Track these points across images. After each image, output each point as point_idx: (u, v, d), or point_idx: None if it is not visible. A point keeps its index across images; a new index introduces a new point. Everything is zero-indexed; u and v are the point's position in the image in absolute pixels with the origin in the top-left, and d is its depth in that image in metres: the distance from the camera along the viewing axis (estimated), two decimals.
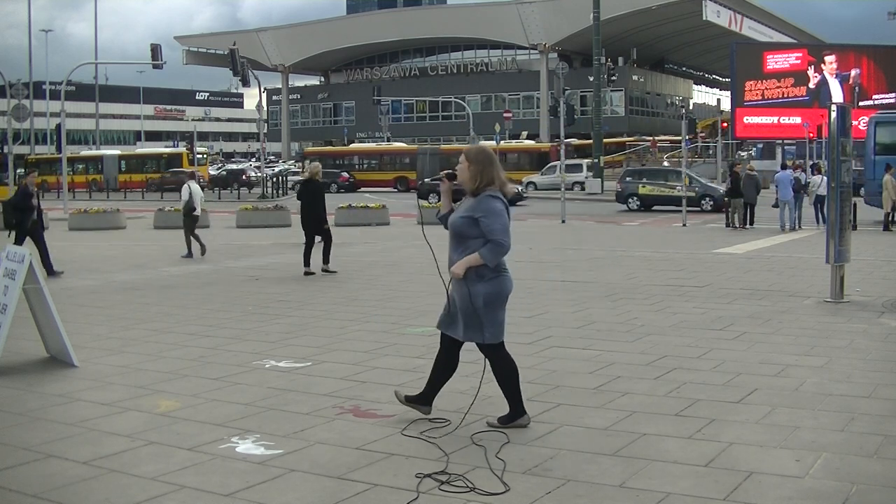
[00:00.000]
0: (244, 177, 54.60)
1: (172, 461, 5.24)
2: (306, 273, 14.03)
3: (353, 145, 67.18)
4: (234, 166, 68.14)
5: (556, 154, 50.62)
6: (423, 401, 6.05)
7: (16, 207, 14.83)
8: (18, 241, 14.17)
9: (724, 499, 4.56)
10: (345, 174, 53.48)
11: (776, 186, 23.50)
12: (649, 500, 4.57)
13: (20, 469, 5.17)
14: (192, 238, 17.58)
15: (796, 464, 5.05)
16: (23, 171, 59.09)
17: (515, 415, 5.83)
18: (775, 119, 54.15)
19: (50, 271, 14.25)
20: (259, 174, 50.00)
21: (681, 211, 26.09)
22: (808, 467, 4.99)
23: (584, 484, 4.80)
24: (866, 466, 5.01)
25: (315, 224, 14.22)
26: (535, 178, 49.32)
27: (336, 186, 49.24)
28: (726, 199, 24.90)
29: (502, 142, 56.26)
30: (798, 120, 51.49)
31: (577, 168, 49.26)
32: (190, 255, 17.34)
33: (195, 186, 18.10)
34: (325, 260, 14.36)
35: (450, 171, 5.80)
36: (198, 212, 17.92)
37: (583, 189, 46.48)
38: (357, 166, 56.37)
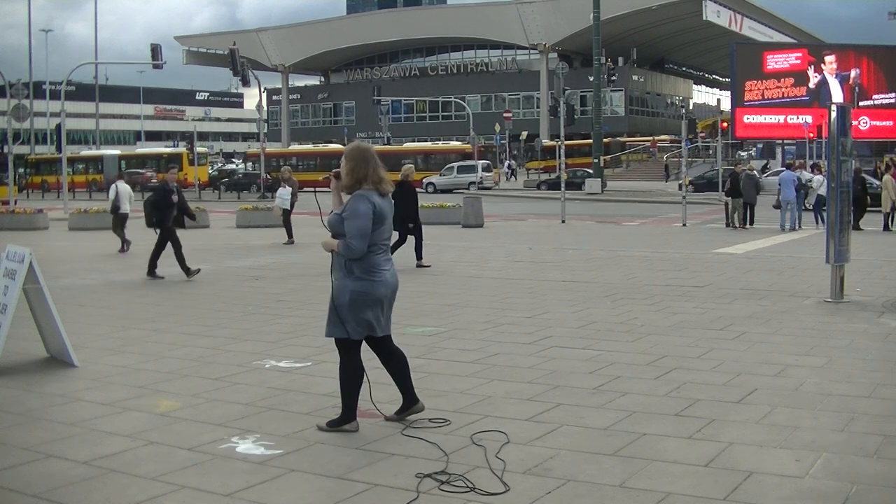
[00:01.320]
0: (235, 177, 55.08)
1: (172, 461, 5.24)
2: (419, 266, 14.71)
3: (291, 147, 68.85)
4: (232, 166, 68.57)
5: (480, 155, 52.58)
6: (409, 404, 6.03)
7: (155, 206, 13.99)
8: (162, 241, 13.77)
9: (724, 499, 4.56)
10: (265, 175, 54.85)
11: (779, 186, 23.49)
12: (649, 500, 4.57)
13: (20, 469, 5.17)
14: (122, 235, 18.81)
15: (796, 464, 5.05)
16: (22, 170, 59.46)
17: (344, 419, 5.77)
18: (775, 119, 54.14)
19: (186, 271, 13.80)
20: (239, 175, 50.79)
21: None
22: (808, 467, 4.99)
23: (584, 484, 4.80)
24: (866, 466, 5.01)
25: (406, 222, 14.64)
26: (434, 178, 50.66)
27: (256, 187, 50.76)
28: (727, 198, 24.87)
29: (430, 142, 58.17)
30: (798, 120, 51.49)
31: (472, 169, 51.06)
32: (124, 249, 18.45)
33: (123, 186, 19.44)
34: (419, 256, 14.98)
35: (338, 170, 5.79)
36: (124, 210, 19.04)
37: (478, 188, 48.80)
38: (296, 167, 57.44)
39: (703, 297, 11.31)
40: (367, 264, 5.61)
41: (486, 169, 51.86)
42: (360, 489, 4.76)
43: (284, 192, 19.88)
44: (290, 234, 19.66)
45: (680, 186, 37.90)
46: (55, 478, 5.00)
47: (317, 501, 4.64)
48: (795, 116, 51.75)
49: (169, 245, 13.90)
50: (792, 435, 5.58)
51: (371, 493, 4.71)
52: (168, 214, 13.95)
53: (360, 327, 5.69)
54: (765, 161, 56.23)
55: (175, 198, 14.04)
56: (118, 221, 19.05)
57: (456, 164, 51.98)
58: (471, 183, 49.82)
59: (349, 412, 5.77)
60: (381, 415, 6.03)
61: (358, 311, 5.63)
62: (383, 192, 5.67)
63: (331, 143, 68.15)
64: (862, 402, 6.30)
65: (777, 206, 23.29)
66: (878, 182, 27.71)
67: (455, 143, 60.23)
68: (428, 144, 59.45)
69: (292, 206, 19.95)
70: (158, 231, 13.94)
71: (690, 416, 6.00)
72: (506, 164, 63.91)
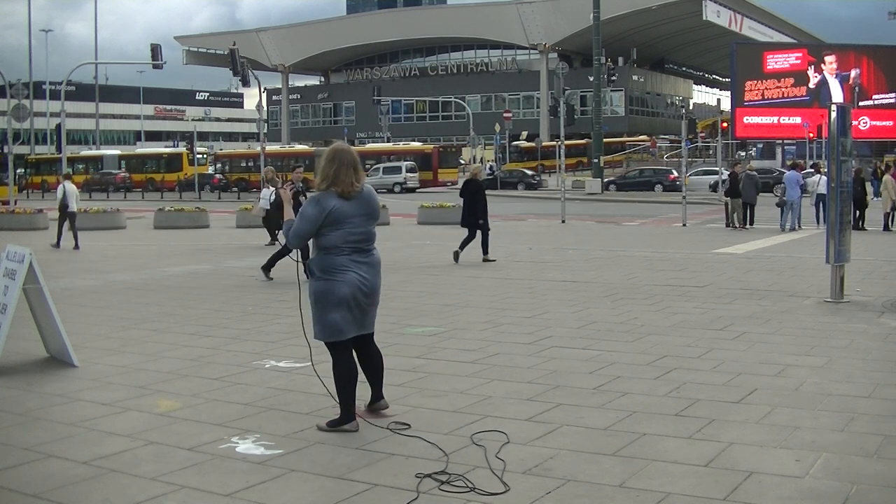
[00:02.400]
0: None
1: (172, 461, 5.24)
2: (485, 260, 15.43)
3: (259, 148, 70.62)
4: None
5: (438, 156, 53.61)
6: (375, 400, 6.10)
7: (281, 208, 13.92)
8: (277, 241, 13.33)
9: (724, 499, 4.56)
10: (218, 176, 56.34)
11: (783, 186, 23.53)
12: (649, 500, 4.57)
13: (20, 469, 5.17)
14: (60, 231, 19.77)
15: (796, 464, 5.05)
16: (22, 170, 59.48)
17: (343, 420, 5.76)
18: (775, 119, 54.15)
19: (309, 273, 13.66)
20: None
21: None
22: (808, 467, 4.99)
23: (584, 484, 4.80)
24: (866, 466, 5.01)
25: (476, 218, 15.42)
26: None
27: (210, 187, 51.75)
28: (726, 198, 24.89)
29: (390, 143, 59.73)
30: (798, 120, 51.51)
31: (397, 170, 52.40)
32: (57, 245, 19.49)
33: (69, 186, 20.38)
34: (485, 251, 15.64)
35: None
36: (71, 208, 19.85)
37: (402, 190, 50.46)
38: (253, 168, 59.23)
39: (703, 297, 11.31)
40: (326, 264, 5.63)
41: (411, 170, 52.83)
42: (360, 489, 4.76)
43: (266, 193, 19.74)
44: (273, 235, 19.58)
45: (673, 187, 38.03)
46: (55, 478, 5.00)
47: (317, 501, 4.64)
48: (798, 118, 51.78)
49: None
50: (792, 435, 5.58)
51: (371, 493, 4.71)
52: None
53: (325, 328, 5.68)
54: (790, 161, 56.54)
55: (303, 199, 13.84)
56: (63, 219, 19.94)
57: (382, 165, 53.50)
58: (395, 184, 51.24)
59: (347, 412, 5.76)
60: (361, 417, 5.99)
61: (322, 312, 5.66)
62: (345, 194, 5.62)
63: (296, 145, 70.43)
64: (862, 402, 6.30)
65: (779, 205, 23.30)
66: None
67: (415, 144, 61.09)
68: (388, 145, 60.60)
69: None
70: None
71: (690, 416, 6.00)
72: (487, 164, 64.37)
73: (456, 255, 15.43)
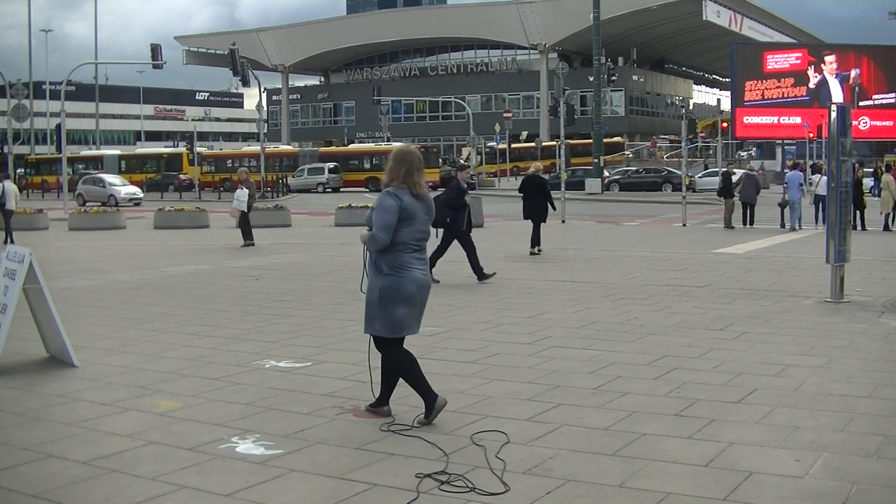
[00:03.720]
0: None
1: (172, 461, 5.24)
2: (532, 253, 16.51)
3: (244, 149, 73.03)
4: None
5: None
6: (381, 403, 6.14)
7: (448, 205, 13.12)
8: (445, 243, 13.10)
9: (724, 499, 4.56)
10: (182, 176, 56.85)
11: (786, 185, 23.57)
12: (649, 500, 4.57)
13: (20, 469, 5.17)
14: (2, 230, 20.19)
15: (796, 464, 5.05)
16: (22, 170, 59.46)
17: (430, 403, 5.83)
18: (775, 119, 54.13)
19: (480, 275, 13.18)
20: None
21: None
22: (808, 467, 4.99)
23: (584, 484, 4.80)
24: (866, 466, 5.01)
25: (536, 213, 16.47)
26: (290, 179, 53.60)
27: (173, 187, 52.26)
28: (722, 197, 24.91)
29: (373, 144, 62.16)
30: (798, 120, 51.50)
31: (320, 171, 54.75)
32: (5, 242, 19.35)
33: (9, 185, 21.10)
34: (534, 244, 16.68)
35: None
36: (9, 206, 20.42)
37: (325, 190, 52.64)
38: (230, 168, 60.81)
39: (703, 297, 11.31)
40: (394, 261, 5.72)
41: (333, 171, 54.66)
42: (360, 489, 4.76)
43: (241, 194, 19.70)
44: (249, 236, 19.52)
45: (677, 187, 38.01)
46: (55, 478, 5.00)
47: (317, 501, 4.64)
48: (798, 118, 51.78)
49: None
50: (792, 435, 5.58)
51: (371, 493, 4.71)
52: (461, 215, 13.30)
53: (389, 324, 5.78)
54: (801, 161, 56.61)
55: (468, 198, 13.56)
56: (4, 216, 20.52)
57: (307, 166, 55.66)
58: (319, 184, 53.29)
59: (428, 394, 5.83)
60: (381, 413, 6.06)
61: (387, 309, 5.74)
62: (416, 193, 5.76)
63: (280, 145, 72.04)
64: (862, 402, 6.30)
65: (782, 205, 23.33)
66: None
67: (397, 144, 60.98)
68: (372, 146, 61.85)
69: (250, 207, 19.85)
70: (441, 231, 13.11)
71: (690, 416, 6.00)
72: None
73: (534, 250, 16.62)
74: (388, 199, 5.69)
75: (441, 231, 13.14)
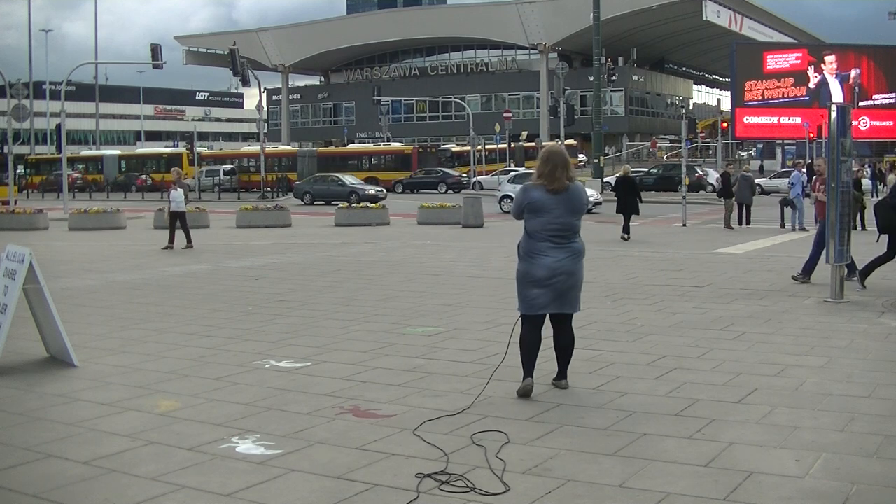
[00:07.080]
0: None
1: (172, 461, 5.24)
2: (623, 238, 19.89)
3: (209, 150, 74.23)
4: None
5: (417, 156, 55.69)
6: (559, 378, 6.83)
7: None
8: (892, 250, 12.03)
9: (724, 499, 4.56)
10: (142, 177, 58.02)
11: (790, 185, 23.61)
12: (649, 500, 4.57)
13: (20, 469, 5.17)
14: None
15: (796, 464, 5.05)
16: (23, 170, 59.45)
17: (524, 379, 6.51)
18: (775, 119, 54.14)
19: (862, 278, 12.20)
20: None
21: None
22: (808, 467, 4.99)
23: (584, 484, 4.80)
24: (866, 466, 5.01)
25: (628, 208, 20.47)
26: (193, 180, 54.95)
27: (135, 188, 53.53)
28: (720, 197, 24.93)
29: (372, 144, 63.01)
30: (798, 120, 51.51)
31: (216, 172, 55.96)
32: None
33: None
34: (625, 230, 20.26)
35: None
36: None
37: (220, 192, 52.32)
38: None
39: (703, 297, 11.31)
40: (529, 248, 6.56)
41: (228, 172, 56.72)
42: (360, 489, 4.76)
43: (177, 195, 19.47)
44: (188, 238, 19.16)
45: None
46: (55, 478, 5.00)
47: (317, 501, 4.64)
48: (798, 118, 51.78)
49: None
50: (792, 435, 5.58)
51: (371, 493, 4.71)
52: None
53: (523, 302, 6.63)
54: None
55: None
56: None
57: (204, 169, 56.41)
58: (214, 185, 53.31)
59: (526, 371, 6.51)
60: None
61: (522, 289, 6.62)
62: (551, 188, 6.37)
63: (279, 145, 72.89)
64: (862, 402, 6.30)
65: (784, 203, 23.35)
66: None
67: (395, 144, 63.04)
68: (370, 146, 62.56)
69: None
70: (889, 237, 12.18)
71: (690, 416, 6.00)
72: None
73: (624, 236, 19.93)
74: (518, 193, 6.62)
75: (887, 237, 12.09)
